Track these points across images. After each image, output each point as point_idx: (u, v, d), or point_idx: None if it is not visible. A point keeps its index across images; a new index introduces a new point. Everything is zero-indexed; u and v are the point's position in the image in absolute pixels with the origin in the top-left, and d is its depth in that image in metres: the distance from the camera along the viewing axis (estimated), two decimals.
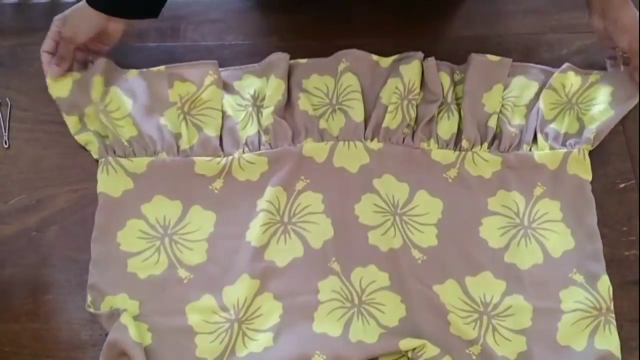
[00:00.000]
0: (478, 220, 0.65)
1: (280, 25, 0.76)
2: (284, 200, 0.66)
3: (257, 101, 0.69)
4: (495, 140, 0.68)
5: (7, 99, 0.71)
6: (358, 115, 0.67)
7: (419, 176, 0.67)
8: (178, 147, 0.67)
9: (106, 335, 0.60)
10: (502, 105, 0.69)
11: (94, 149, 0.67)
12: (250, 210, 0.65)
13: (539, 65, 0.71)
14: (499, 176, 0.66)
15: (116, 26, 0.67)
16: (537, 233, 0.64)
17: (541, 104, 0.68)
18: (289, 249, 0.64)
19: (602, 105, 0.68)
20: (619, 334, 0.61)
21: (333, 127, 0.68)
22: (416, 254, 0.63)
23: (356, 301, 0.62)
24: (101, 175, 0.66)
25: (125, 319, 0.59)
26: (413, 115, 0.68)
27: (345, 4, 0.77)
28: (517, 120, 0.68)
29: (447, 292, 0.62)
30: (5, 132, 0.70)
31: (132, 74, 0.70)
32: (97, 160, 0.67)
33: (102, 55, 0.69)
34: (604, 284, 0.62)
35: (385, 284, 0.63)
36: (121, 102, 0.68)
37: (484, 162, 0.67)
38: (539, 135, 0.68)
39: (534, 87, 0.70)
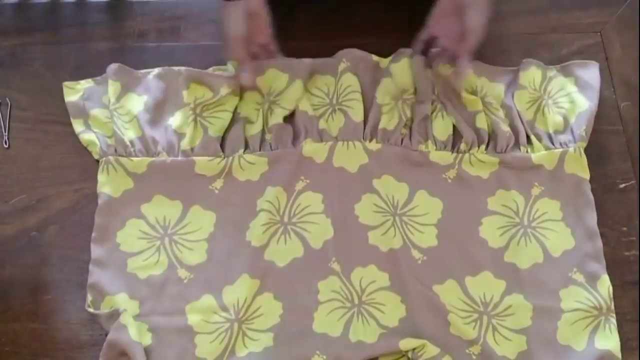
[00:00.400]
0: (478, 220, 0.65)
1: (280, 25, 0.76)
2: (284, 200, 0.66)
3: (272, 97, 0.69)
4: (490, 141, 0.68)
5: (7, 98, 0.71)
6: (357, 115, 0.68)
7: (418, 176, 0.67)
8: (178, 147, 0.67)
9: (106, 335, 0.60)
10: (491, 105, 0.68)
11: (95, 150, 0.68)
12: (250, 210, 0.65)
13: (500, 67, 0.71)
14: (497, 176, 0.66)
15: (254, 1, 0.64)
16: (537, 232, 0.64)
17: (518, 106, 0.69)
18: (289, 249, 0.64)
19: (572, 95, 0.69)
20: (619, 333, 0.61)
21: (332, 127, 0.68)
22: (416, 254, 0.64)
23: (356, 301, 0.62)
24: (101, 175, 0.66)
25: (125, 318, 0.59)
26: (409, 115, 0.68)
27: (345, 4, 0.77)
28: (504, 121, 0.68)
29: (447, 292, 0.62)
30: (5, 132, 0.70)
31: (153, 72, 0.70)
32: (97, 161, 0.67)
33: (272, 42, 0.69)
34: (604, 283, 0.62)
35: (385, 284, 0.63)
36: (132, 106, 0.68)
37: (481, 164, 0.67)
38: (531, 137, 0.68)
39: (500, 88, 0.70)
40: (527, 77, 0.70)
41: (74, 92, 0.70)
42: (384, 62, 0.71)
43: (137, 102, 0.69)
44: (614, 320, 0.61)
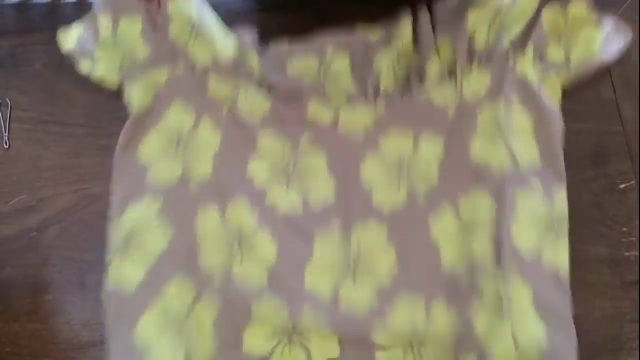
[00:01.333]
0: (469, 144, 0.65)
1: (281, 25, 0.76)
2: (288, 150, 0.66)
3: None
4: (484, 57, 0.68)
5: (7, 99, 0.72)
6: (347, 82, 0.68)
7: (420, 125, 0.67)
8: (191, 62, 0.68)
9: (105, 335, 0.60)
10: (497, 16, 0.68)
11: (112, 80, 0.68)
12: (251, 147, 0.66)
13: None
14: (489, 92, 0.66)
15: None
16: (507, 139, 0.65)
17: (543, 20, 0.68)
18: (290, 196, 0.65)
19: (590, 46, 0.68)
20: (619, 334, 0.61)
21: (333, 92, 0.68)
22: (420, 201, 0.64)
23: (351, 260, 0.62)
24: (128, 94, 0.67)
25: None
26: (405, 72, 0.68)
27: (346, 4, 0.77)
28: (513, 29, 0.68)
29: (441, 224, 0.63)
30: (5, 132, 0.70)
31: None
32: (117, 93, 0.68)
33: None
34: (560, 199, 0.63)
35: (382, 237, 0.63)
36: (131, 31, 0.69)
37: (476, 81, 0.67)
38: (528, 51, 0.67)
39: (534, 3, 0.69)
40: (575, 7, 0.68)
41: (70, 38, 0.70)
42: (373, 34, 0.70)
43: (135, 25, 0.69)
44: (565, 236, 0.62)
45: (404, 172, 0.66)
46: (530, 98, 0.67)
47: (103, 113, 0.70)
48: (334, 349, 0.60)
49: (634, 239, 0.66)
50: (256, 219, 0.63)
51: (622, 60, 0.72)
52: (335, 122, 0.67)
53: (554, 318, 0.59)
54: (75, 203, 0.67)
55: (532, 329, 0.58)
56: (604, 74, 0.72)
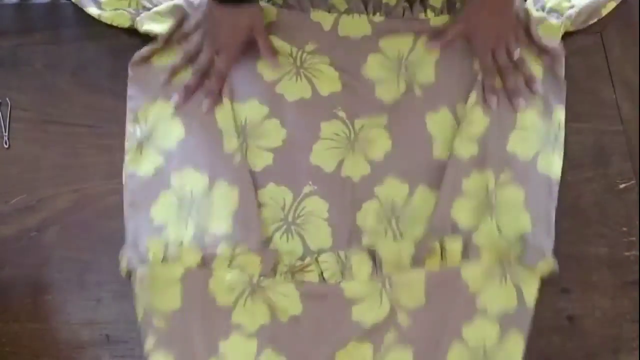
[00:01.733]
0: (471, 60, 0.69)
1: None
2: (294, 52, 0.70)
3: None
4: None
5: (7, 99, 0.72)
6: None
7: (416, 40, 0.71)
8: None
9: (106, 336, 0.60)
10: None
11: (124, 20, 0.71)
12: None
13: None
14: None
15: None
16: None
17: None
18: (298, 88, 0.69)
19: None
20: (619, 334, 0.61)
21: (338, 2, 0.72)
22: (417, 91, 0.68)
23: (352, 138, 0.67)
24: (142, 28, 0.71)
25: None
26: None
27: None
28: None
29: (438, 120, 0.67)
30: (5, 132, 0.70)
31: None
32: (131, 28, 0.71)
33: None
34: (558, 115, 0.67)
35: (382, 123, 0.67)
36: None
37: None
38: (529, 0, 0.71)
39: None
40: None
41: None
42: None
43: None
44: (561, 152, 0.66)
45: (402, 68, 0.70)
46: (531, 39, 0.70)
47: (103, 113, 0.70)
48: (327, 240, 0.64)
49: (634, 239, 0.66)
50: (265, 111, 0.67)
51: (622, 60, 0.73)
52: (335, 28, 0.71)
53: (540, 217, 0.64)
54: (75, 203, 0.67)
55: (519, 224, 0.63)
56: (603, 74, 0.72)
